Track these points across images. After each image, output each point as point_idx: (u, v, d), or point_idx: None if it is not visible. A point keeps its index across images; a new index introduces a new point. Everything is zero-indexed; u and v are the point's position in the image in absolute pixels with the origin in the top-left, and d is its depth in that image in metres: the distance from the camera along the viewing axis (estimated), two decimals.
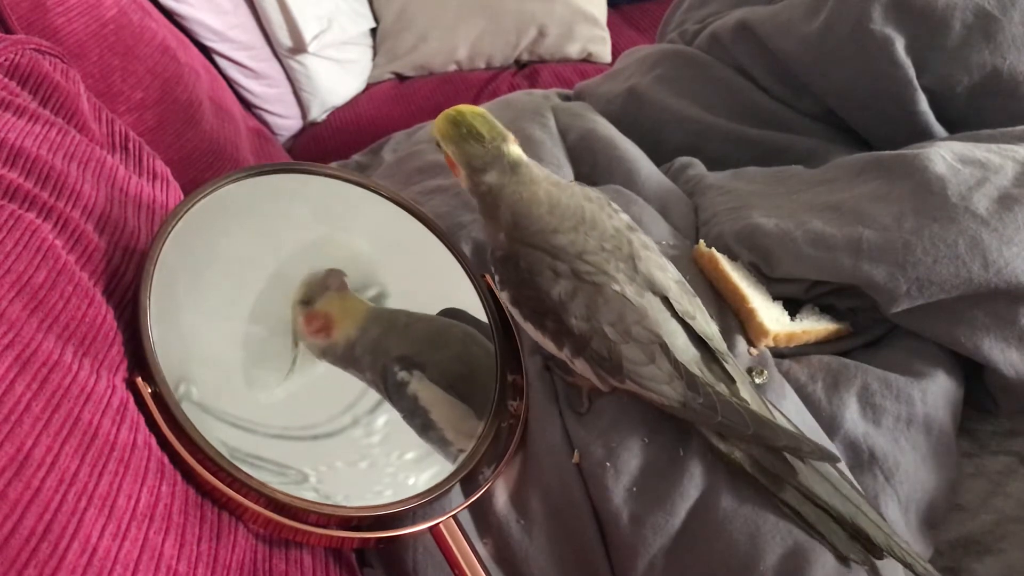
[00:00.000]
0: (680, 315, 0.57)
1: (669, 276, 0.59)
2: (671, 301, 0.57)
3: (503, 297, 0.61)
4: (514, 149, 0.59)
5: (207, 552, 0.47)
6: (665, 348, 0.55)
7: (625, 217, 0.61)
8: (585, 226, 0.58)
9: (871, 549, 0.51)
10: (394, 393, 0.60)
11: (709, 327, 0.58)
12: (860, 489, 0.53)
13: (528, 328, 0.60)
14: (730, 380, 0.56)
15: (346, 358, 0.60)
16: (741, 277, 0.67)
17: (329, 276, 0.63)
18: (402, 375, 0.60)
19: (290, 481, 0.53)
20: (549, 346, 0.59)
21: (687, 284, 0.60)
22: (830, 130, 0.86)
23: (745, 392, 0.55)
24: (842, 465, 0.55)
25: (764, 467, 0.53)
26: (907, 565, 0.50)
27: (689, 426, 0.56)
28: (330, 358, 0.60)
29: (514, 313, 0.61)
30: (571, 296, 0.56)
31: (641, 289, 0.57)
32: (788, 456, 0.53)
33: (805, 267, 0.65)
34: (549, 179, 0.60)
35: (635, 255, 0.58)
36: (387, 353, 0.61)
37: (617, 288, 0.56)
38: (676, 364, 0.54)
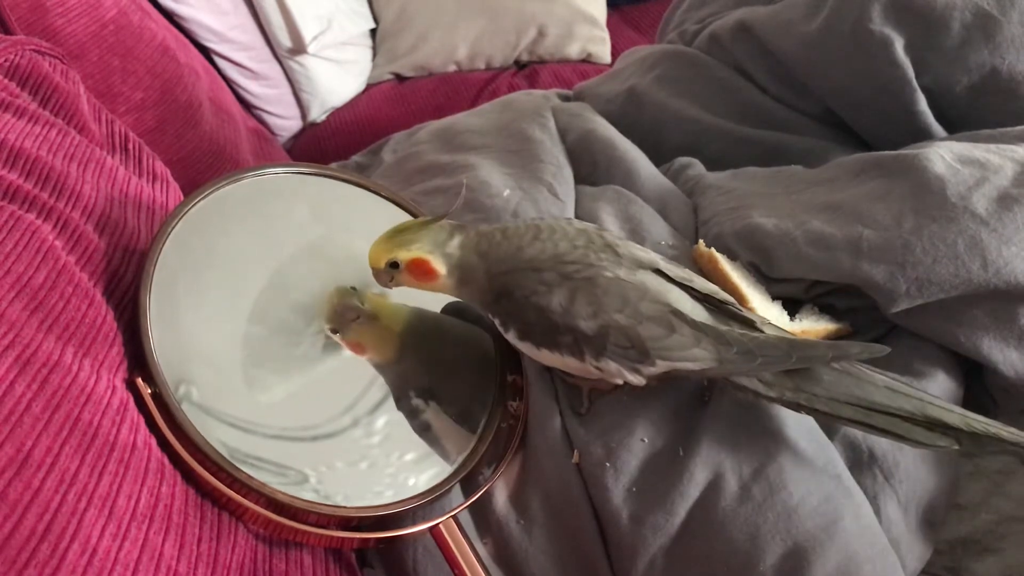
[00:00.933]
0: (677, 280, 0.56)
1: (652, 255, 0.58)
2: (663, 271, 0.57)
3: (511, 337, 0.59)
4: (449, 221, 0.60)
5: (207, 552, 0.47)
6: (679, 314, 0.54)
7: (590, 224, 0.61)
8: (544, 234, 0.58)
9: (951, 432, 0.51)
10: (405, 411, 0.60)
11: (709, 285, 0.58)
12: (911, 383, 0.54)
13: (544, 356, 0.58)
14: (748, 323, 0.56)
15: (385, 374, 0.62)
16: (740, 277, 0.67)
17: (344, 311, 0.63)
18: (417, 401, 0.61)
19: (290, 481, 0.53)
20: (571, 364, 0.57)
21: (672, 260, 0.60)
22: (829, 130, 0.86)
23: (769, 328, 0.55)
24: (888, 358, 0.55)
25: (818, 395, 0.52)
26: (991, 436, 0.50)
27: (727, 390, 0.56)
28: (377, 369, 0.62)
29: (527, 347, 0.59)
30: (571, 300, 0.55)
31: (631, 269, 0.56)
32: (836, 376, 0.53)
33: (804, 267, 0.65)
34: (492, 225, 0.61)
35: (611, 244, 0.58)
36: (408, 374, 0.62)
37: (609, 274, 0.55)
38: (696, 325, 0.54)
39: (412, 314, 0.65)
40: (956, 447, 0.50)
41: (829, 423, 0.53)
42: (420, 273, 0.59)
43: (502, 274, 0.58)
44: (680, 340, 0.53)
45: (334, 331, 0.61)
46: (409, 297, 0.65)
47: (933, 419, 0.51)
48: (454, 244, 0.58)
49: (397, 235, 0.58)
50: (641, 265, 0.57)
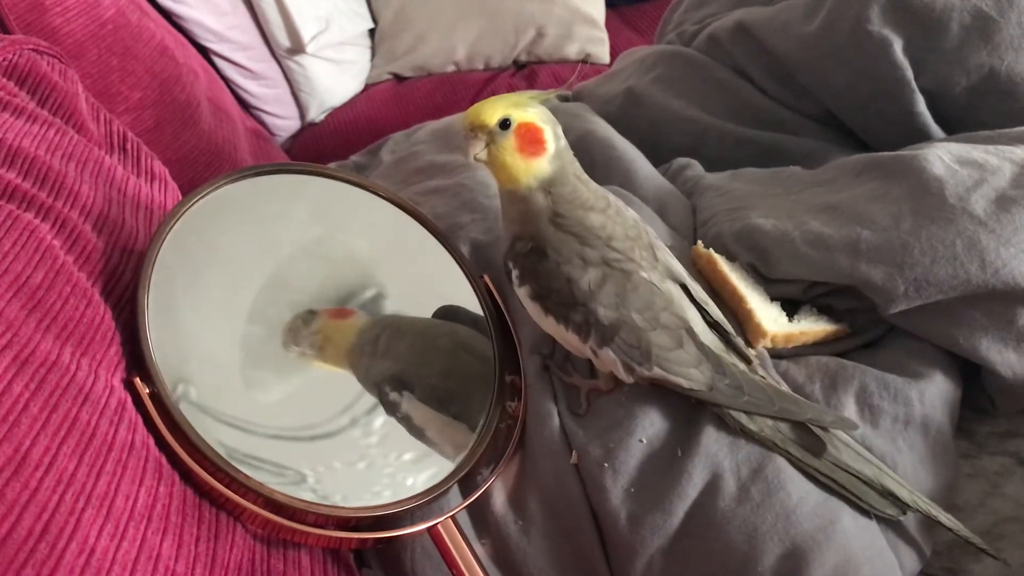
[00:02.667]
0: (698, 301, 0.59)
1: (682, 268, 0.60)
2: (689, 288, 0.59)
3: (522, 292, 0.59)
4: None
5: (205, 552, 0.47)
6: (691, 332, 0.56)
7: (639, 218, 0.62)
8: (611, 210, 0.59)
9: (899, 503, 0.54)
10: (389, 411, 0.60)
11: (720, 313, 0.60)
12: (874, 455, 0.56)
13: (548, 323, 0.59)
14: (746, 360, 0.58)
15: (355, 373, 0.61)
16: (739, 278, 0.67)
17: (292, 323, 0.61)
18: (393, 396, 0.61)
19: (288, 481, 0.53)
20: (571, 339, 0.58)
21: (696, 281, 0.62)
22: (828, 131, 0.86)
23: (761, 371, 0.58)
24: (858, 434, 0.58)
25: (793, 440, 0.55)
26: (931, 516, 0.53)
27: (710, 410, 0.57)
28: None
29: (533, 308, 0.59)
30: (600, 284, 0.56)
31: (663, 276, 0.58)
32: (813, 428, 0.55)
33: (803, 268, 0.65)
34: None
35: (653, 244, 0.60)
36: (380, 374, 0.61)
37: (645, 275, 0.57)
38: (702, 347, 0.56)
39: (401, 327, 0.65)
40: (900, 517, 0.54)
41: (798, 467, 0.55)
42: (528, 141, 0.55)
43: (554, 227, 0.57)
44: (683, 356, 0.56)
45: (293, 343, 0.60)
46: (407, 298, 0.65)
47: (887, 489, 0.54)
48: (562, 145, 0.57)
49: (513, 99, 0.55)
50: (672, 276, 0.59)
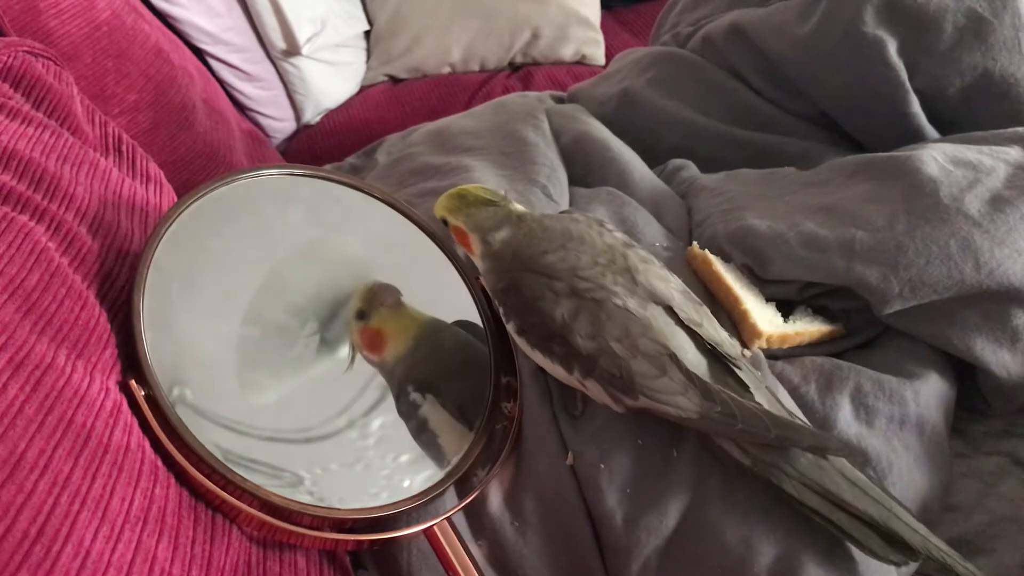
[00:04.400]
0: (686, 323, 0.56)
1: (672, 286, 0.58)
2: (675, 310, 0.56)
3: (510, 328, 0.60)
4: (517, 205, 0.63)
5: (201, 554, 0.46)
6: (675, 359, 0.53)
7: (621, 236, 0.61)
8: (573, 243, 0.58)
9: (907, 551, 0.49)
10: (404, 411, 0.60)
11: (718, 334, 0.57)
12: (887, 489, 0.52)
13: (536, 357, 0.59)
14: (743, 387, 0.55)
15: (389, 373, 0.61)
16: (734, 279, 0.67)
17: (384, 291, 0.63)
18: (415, 396, 0.61)
19: (284, 484, 0.53)
20: (559, 372, 0.58)
21: (692, 294, 0.59)
22: (823, 132, 0.86)
23: (760, 397, 0.54)
24: (869, 466, 0.55)
25: (787, 475, 0.51)
26: (946, 566, 0.48)
27: (707, 441, 0.55)
28: (381, 371, 0.61)
29: (522, 343, 0.60)
30: (574, 316, 0.55)
31: (643, 301, 0.56)
32: (812, 462, 0.51)
33: (798, 268, 0.65)
34: (543, 216, 0.63)
35: (632, 268, 0.58)
36: (410, 374, 0.62)
37: (619, 302, 0.55)
38: (688, 374, 0.53)
39: (419, 337, 0.65)
40: (906, 565, 0.50)
41: (793, 506, 0.52)
42: (460, 242, 0.64)
43: (518, 270, 0.59)
44: (668, 384, 0.53)
45: (361, 314, 0.62)
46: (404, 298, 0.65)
47: (894, 533, 0.49)
48: (499, 236, 0.61)
49: (460, 199, 0.62)
50: (655, 299, 0.56)
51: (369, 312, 0.62)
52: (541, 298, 0.57)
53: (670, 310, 0.56)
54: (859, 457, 0.52)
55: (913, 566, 0.53)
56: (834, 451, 0.51)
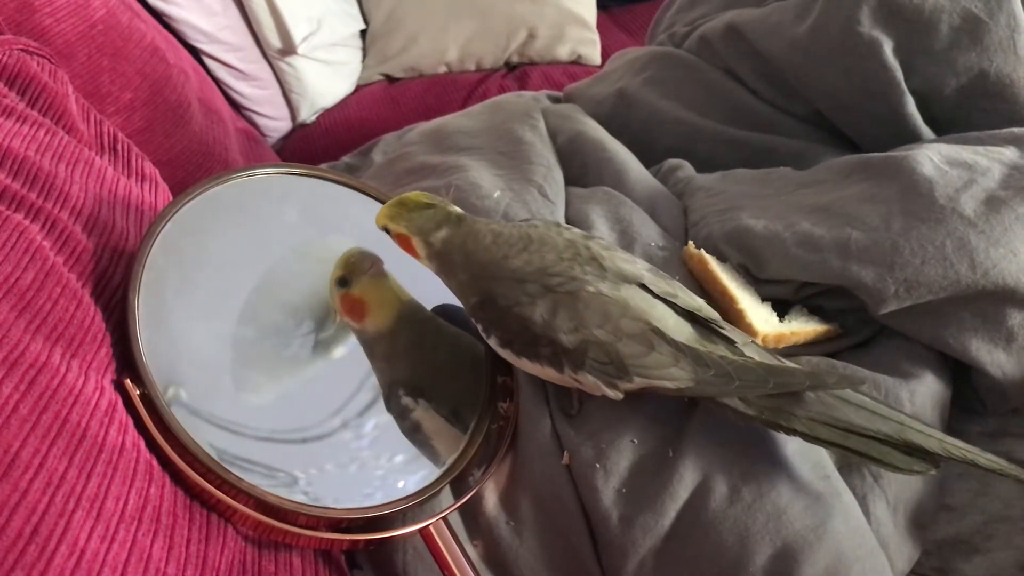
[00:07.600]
0: (661, 295, 0.56)
1: (639, 266, 0.58)
2: (647, 286, 0.56)
3: (492, 343, 0.59)
4: (456, 208, 0.61)
5: (196, 554, 0.46)
6: (659, 332, 0.54)
7: (578, 231, 0.61)
8: (535, 245, 0.58)
9: (928, 457, 0.51)
10: (395, 412, 0.60)
11: (694, 300, 0.58)
12: (893, 406, 0.53)
13: (525, 364, 0.58)
14: (730, 342, 0.55)
15: (369, 348, 0.62)
16: (730, 278, 0.67)
17: (366, 259, 0.64)
18: (407, 400, 0.61)
19: (280, 483, 0.53)
20: (550, 374, 0.57)
21: (660, 271, 0.59)
22: (819, 132, 0.86)
23: (750, 351, 0.55)
24: (868, 387, 0.56)
25: (796, 415, 0.52)
26: (969, 462, 0.50)
27: (707, 405, 0.56)
28: (359, 338, 0.62)
29: (507, 355, 0.59)
30: (553, 313, 0.55)
31: (615, 283, 0.56)
32: (815, 399, 0.53)
33: (794, 268, 0.65)
34: (489, 221, 0.61)
35: (597, 256, 0.58)
36: (399, 372, 0.62)
37: (592, 288, 0.55)
38: (676, 344, 0.53)
39: (402, 315, 0.65)
40: (932, 471, 0.51)
41: (808, 443, 0.53)
42: (404, 248, 0.61)
43: (486, 280, 0.58)
44: (659, 359, 0.53)
45: (343, 281, 0.62)
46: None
47: (911, 443, 0.51)
48: (439, 236, 0.59)
49: (400, 206, 0.60)
50: (626, 279, 0.57)
51: (351, 279, 0.62)
52: (517, 303, 0.56)
53: (643, 287, 0.56)
54: (858, 383, 0.53)
55: (908, 565, 0.54)
56: (833, 385, 0.52)
